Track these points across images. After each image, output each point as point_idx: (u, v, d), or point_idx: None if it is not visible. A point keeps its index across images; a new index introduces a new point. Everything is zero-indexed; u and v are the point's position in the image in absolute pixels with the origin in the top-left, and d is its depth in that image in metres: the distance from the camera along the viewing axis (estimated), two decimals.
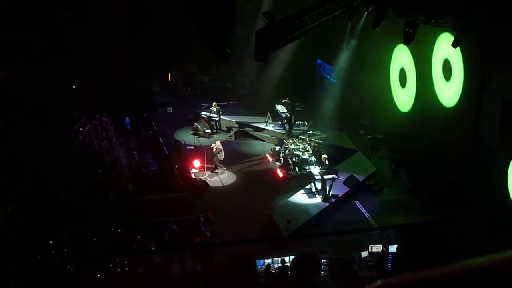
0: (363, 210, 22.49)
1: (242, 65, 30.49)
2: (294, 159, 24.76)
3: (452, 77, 21.75)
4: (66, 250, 18.40)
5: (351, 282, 18.42)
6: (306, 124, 27.69)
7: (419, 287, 2.67)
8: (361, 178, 23.95)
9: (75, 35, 29.96)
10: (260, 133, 28.61)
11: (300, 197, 22.86)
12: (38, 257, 17.84)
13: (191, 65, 33.33)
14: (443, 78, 22.23)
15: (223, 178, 24.88)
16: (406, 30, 19.97)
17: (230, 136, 28.61)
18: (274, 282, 17.84)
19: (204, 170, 24.87)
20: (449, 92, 22.01)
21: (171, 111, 31.33)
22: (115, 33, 30.94)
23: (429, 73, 22.85)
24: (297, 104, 28.03)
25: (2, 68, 29.40)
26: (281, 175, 24.73)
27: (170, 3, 29.91)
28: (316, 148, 25.40)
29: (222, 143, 25.60)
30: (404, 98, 25.06)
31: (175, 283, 18.58)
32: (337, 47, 27.13)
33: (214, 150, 24.99)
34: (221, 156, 25.10)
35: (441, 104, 22.36)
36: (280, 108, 28.24)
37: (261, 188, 24.07)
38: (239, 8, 27.13)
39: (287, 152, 25.16)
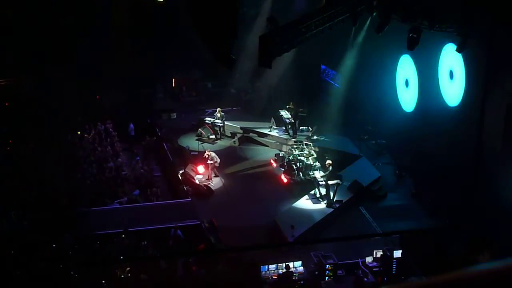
0: (367, 216, 22.44)
1: (247, 71, 30.45)
2: (298, 165, 24.66)
3: (456, 81, 21.73)
4: (70, 256, 18.38)
5: None
6: (310, 129, 27.64)
7: None
8: (365, 184, 23.90)
9: (78, 41, 29.99)
10: (264, 139, 28.57)
11: (304, 203, 22.78)
12: (42, 263, 17.83)
13: (195, 71, 33.36)
14: (447, 82, 22.24)
15: (227, 184, 24.85)
16: (410, 35, 19.95)
17: (234, 141, 28.60)
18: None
19: (209, 177, 24.84)
20: (453, 97, 21.99)
21: (175, 117, 31.40)
22: (118, 39, 30.97)
23: (434, 78, 22.86)
24: (301, 109, 27.98)
25: (6, 74, 29.45)
26: (285, 180, 24.64)
27: (173, 9, 29.93)
28: (320, 154, 25.33)
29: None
30: (407, 102, 25.09)
31: None
32: (341, 53, 27.11)
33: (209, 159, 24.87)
34: (215, 162, 24.96)
35: (445, 109, 22.32)
36: (284, 113, 28.16)
37: (265, 193, 24.04)
38: (242, 14, 27.09)
39: (291, 157, 25.08)
